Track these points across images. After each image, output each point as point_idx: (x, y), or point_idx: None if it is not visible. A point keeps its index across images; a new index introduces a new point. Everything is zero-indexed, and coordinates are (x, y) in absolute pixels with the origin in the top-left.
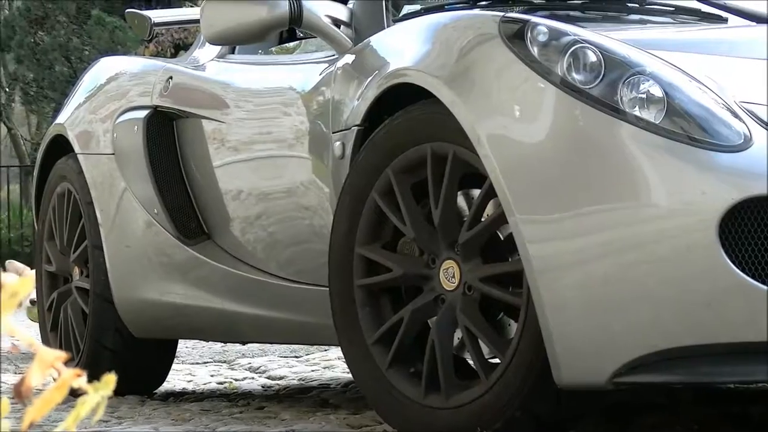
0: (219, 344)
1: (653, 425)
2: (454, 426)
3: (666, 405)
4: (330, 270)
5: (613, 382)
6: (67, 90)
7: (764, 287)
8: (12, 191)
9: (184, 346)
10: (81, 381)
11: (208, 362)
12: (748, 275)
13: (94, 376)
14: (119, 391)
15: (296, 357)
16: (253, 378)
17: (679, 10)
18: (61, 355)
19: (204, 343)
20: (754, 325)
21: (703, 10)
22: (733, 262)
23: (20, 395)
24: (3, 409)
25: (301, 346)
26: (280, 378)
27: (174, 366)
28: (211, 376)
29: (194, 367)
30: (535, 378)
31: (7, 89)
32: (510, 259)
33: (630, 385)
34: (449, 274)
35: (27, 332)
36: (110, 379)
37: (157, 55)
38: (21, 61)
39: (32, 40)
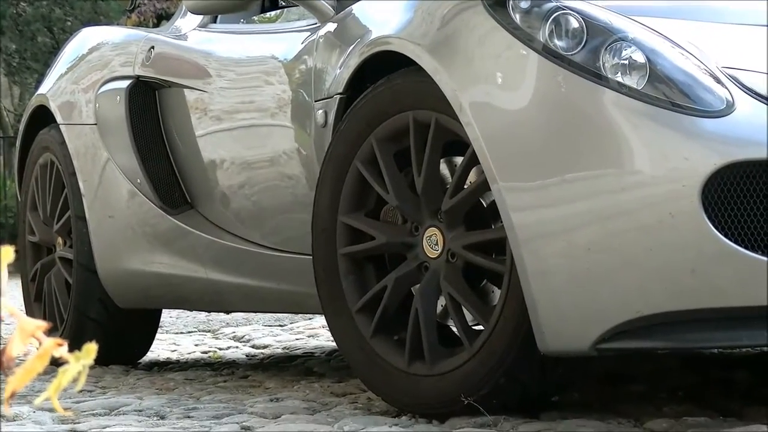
0: (203, 314)
1: (638, 392)
2: (438, 393)
3: (651, 372)
4: (313, 239)
5: (597, 348)
6: (49, 61)
7: (748, 253)
8: None
9: (168, 315)
10: (62, 350)
11: (192, 332)
12: (731, 241)
13: (77, 347)
14: (103, 362)
15: (281, 326)
16: (237, 347)
17: None
18: (42, 324)
19: (188, 312)
20: (737, 291)
21: None
22: (717, 228)
23: (1, 365)
24: None
25: (286, 314)
26: (265, 347)
27: (158, 336)
28: (196, 345)
29: (178, 336)
30: (519, 345)
31: None
32: (493, 227)
33: (613, 352)
34: (432, 242)
35: (8, 302)
36: (91, 348)
37: (139, 25)
38: (3, 32)
39: (14, 11)
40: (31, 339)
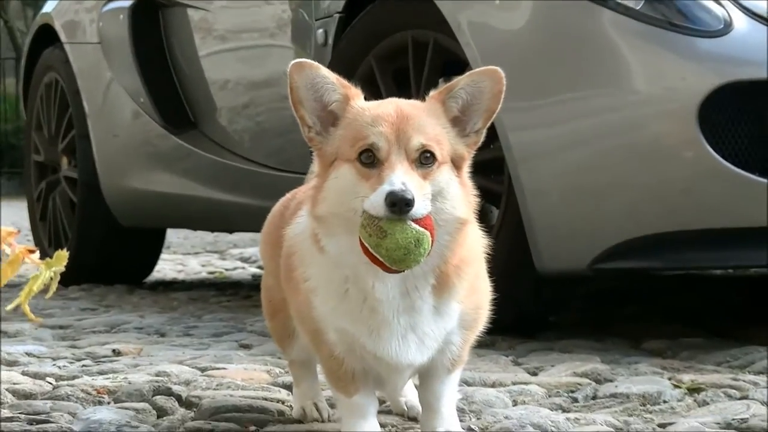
0: (211, 234)
1: (635, 313)
2: None
3: (648, 293)
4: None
5: (593, 268)
6: None
7: (744, 173)
8: (8, 84)
9: (176, 236)
10: (34, 257)
11: (199, 252)
12: (727, 161)
13: (82, 265)
14: (108, 280)
15: None
16: (243, 268)
17: None
18: (13, 230)
19: (196, 233)
20: (734, 211)
21: None
22: (713, 148)
23: None
24: None
25: None
26: None
27: (165, 256)
28: (202, 266)
29: (185, 257)
30: (515, 264)
31: None
32: (491, 146)
33: (610, 272)
34: None
35: None
36: (62, 255)
37: None
38: None
39: None
40: (1, 245)
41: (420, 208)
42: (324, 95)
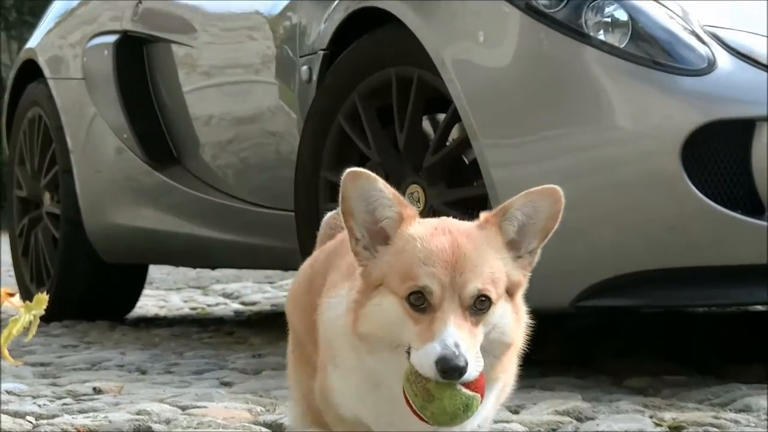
0: (194, 270)
1: (618, 349)
2: None
3: (632, 330)
4: (296, 193)
5: (576, 305)
6: None
7: (727, 211)
8: None
9: (158, 272)
10: (14, 300)
11: (181, 288)
12: (710, 199)
13: (64, 301)
14: (90, 317)
15: (270, 283)
16: (226, 304)
17: None
18: None
19: (178, 269)
20: (716, 250)
21: None
22: (696, 186)
23: None
24: None
25: (276, 271)
26: (253, 304)
27: (148, 292)
28: (184, 301)
29: (168, 293)
30: None
31: None
32: (474, 184)
33: (593, 309)
34: (414, 199)
35: None
36: (42, 299)
37: None
38: None
39: None
40: None
41: (473, 371)
42: (377, 210)
